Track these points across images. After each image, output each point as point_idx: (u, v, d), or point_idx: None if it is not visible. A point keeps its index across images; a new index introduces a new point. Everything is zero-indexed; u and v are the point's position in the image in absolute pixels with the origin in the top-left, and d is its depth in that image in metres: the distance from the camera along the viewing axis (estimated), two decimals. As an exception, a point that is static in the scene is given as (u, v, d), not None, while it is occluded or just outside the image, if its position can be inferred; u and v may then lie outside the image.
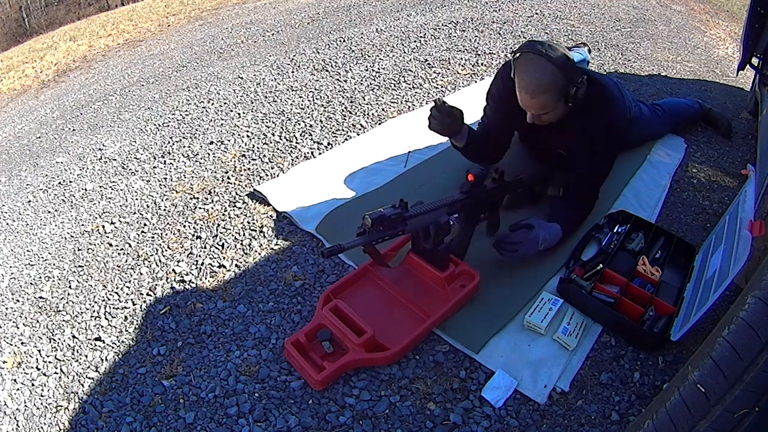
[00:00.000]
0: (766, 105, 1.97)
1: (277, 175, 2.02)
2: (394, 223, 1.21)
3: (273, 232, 1.73)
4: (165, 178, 2.13)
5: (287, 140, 2.27)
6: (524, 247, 1.43)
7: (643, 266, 1.44)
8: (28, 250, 1.86)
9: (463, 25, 3.45)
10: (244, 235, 1.73)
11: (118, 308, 1.51)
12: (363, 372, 1.25)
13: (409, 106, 2.47)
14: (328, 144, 2.21)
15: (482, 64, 2.86)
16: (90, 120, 2.97)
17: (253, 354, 1.32)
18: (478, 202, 1.44)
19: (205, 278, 1.58)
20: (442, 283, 1.38)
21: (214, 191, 1.98)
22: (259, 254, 1.64)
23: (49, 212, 2.08)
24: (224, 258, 1.64)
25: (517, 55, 1.41)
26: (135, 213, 1.94)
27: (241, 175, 2.06)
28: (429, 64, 2.90)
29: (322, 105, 2.55)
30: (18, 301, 1.62)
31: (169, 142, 2.42)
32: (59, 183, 2.28)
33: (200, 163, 2.20)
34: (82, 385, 1.30)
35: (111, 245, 1.79)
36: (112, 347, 1.39)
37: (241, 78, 3.06)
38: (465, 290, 1.37)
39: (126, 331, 1.44)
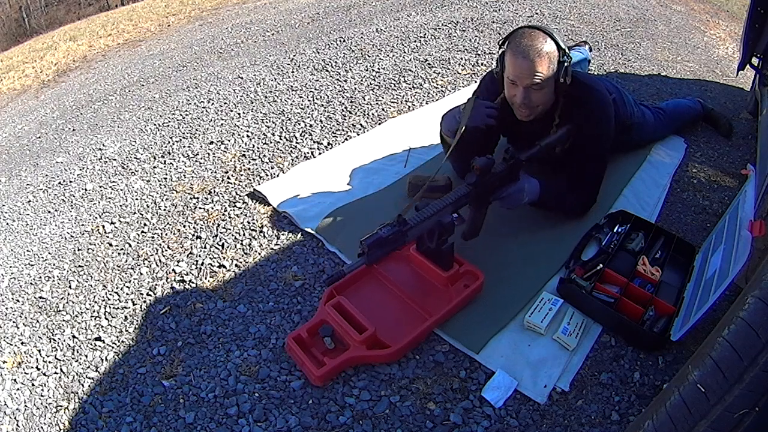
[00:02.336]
0: (766, 105, 1.97)
1: (277, 175, 2.02)
2: (393, 241, 1.20)
3: (273, 232, 1.73)
4: (165, 178, 2.13)
5: (287, 140, 2.27)
6: (509, 198, 1.45)
7: (643, 266, 1.44)
8: (28, 250, 1.86)
9: (463, 25, 3.45)
10: (244, 235, 1.73)
11: (118, 308, 1.51)
12: (363, 372, 1.25)
13: (409, 106, 2.47)
14: (328, 144, 2.21)
15: (482, 64, 2.86)
16: (90, 120, 2.97)
17: (253, 354, 1.32)
18: (486, 190, 1.41)
19: (205, 278, 1.58)
20: (446, 283, 1.39)
21: (214, 191, 1.98)
22: (259, 254, 1.64)
23: (49, 212, 2.08)
24: (224, 258, 1.64)
25: (515, 30, 1.41)
26: (135, 213, 1.94)
27: (241, 175, 2.06)
28: (429, 64, 2.90)
29: (322, 105, 2.55)
30: (18, 301, 1.62)
31: (169, 142, 2.42)
32: (59, 183, 2.28)
33: (200, 163, 2.20)
34: (82, 385, 1.30)
35: (111, 245, 1.79)
36: (112, 347, 1.39)
37: (241, 78, 3.06)
38: (468, 290, 1.37)
39: (126, 331, 1.44)
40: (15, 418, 1.24)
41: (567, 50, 1.41)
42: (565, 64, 1.41)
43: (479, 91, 1.66)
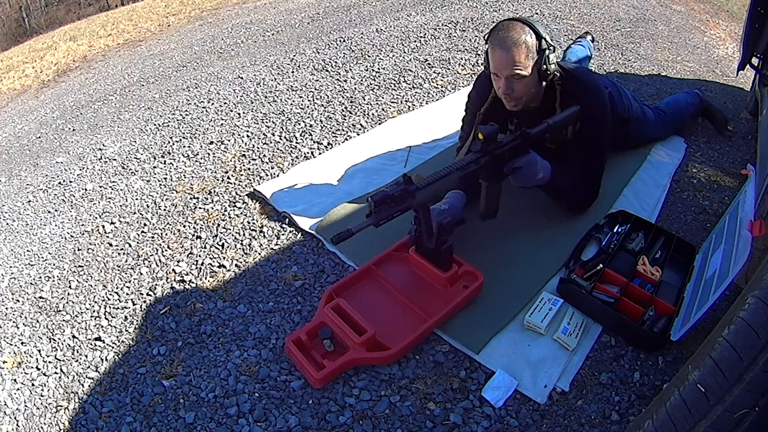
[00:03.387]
0: (766, 105, 1.97)
1: (277, 175, 2.02)
2: (401, 199, 1.19)
3: (273, 232, 1.73)
4: (165, 178, 2.13)
5: (287, 140, 2.27)
6: (523, 172, 1.42)
7: (643, 266, 1.44)
8: (28, 250, 1.86)
9: (463, 25, 3.45)
10: (244, 235, 1.73)
11: (118, 308, 1.51)
12: (363, 372, 1.25)
13: (409, 106, 2.47)
14: (328, 144, 2.21)
15: (482, 64, 2.85)
16: (90, 120, 2.97)
17: (253, 354, 1.32)
18: (496, 160, 1.37)
19: (205, 278, 1.58)
20: (445, 284, 1.38)
21: (214, 191, 1.98)
22: (259, 254, 1.64)
23: (49, 212, 2.08)
24: (224, 258, 1.64)
25: (496, 24, 1.41)
26: (135, 213, 1.94)
27: (241, 175, 2.06)
28: (429, 64, 2.90)
29: (322, 105, 2.55)
30: (18, 301, 1.62)
31: (169, 142, 2.42)
32: (59, 183, 2.28)
33: (200, 163, 2.20)
34: (82, 385, 1.30)
35: (111, 245, 1.79)
36: (112, 347, 1.39)
37: (241, 78, 3.06)
38: (467, 291, 1.36)
39: (126, 331, 1.44)
40: (15, 418, 1.24)
41: (549, 39, 1.41)
42: (546, 52, 1.40)
43: (474, 89, 1.66)
